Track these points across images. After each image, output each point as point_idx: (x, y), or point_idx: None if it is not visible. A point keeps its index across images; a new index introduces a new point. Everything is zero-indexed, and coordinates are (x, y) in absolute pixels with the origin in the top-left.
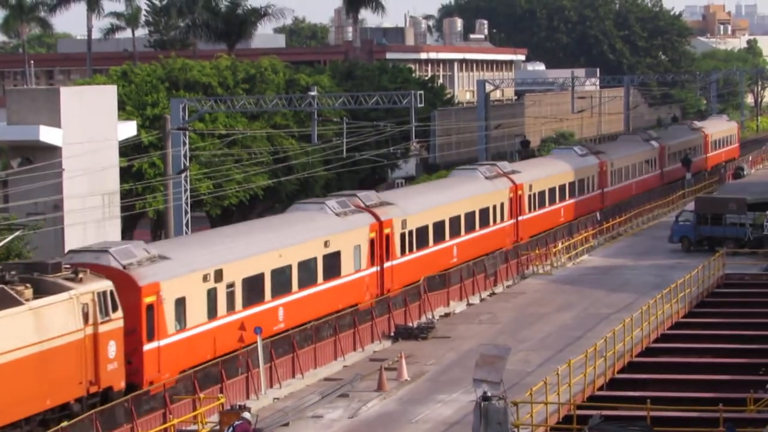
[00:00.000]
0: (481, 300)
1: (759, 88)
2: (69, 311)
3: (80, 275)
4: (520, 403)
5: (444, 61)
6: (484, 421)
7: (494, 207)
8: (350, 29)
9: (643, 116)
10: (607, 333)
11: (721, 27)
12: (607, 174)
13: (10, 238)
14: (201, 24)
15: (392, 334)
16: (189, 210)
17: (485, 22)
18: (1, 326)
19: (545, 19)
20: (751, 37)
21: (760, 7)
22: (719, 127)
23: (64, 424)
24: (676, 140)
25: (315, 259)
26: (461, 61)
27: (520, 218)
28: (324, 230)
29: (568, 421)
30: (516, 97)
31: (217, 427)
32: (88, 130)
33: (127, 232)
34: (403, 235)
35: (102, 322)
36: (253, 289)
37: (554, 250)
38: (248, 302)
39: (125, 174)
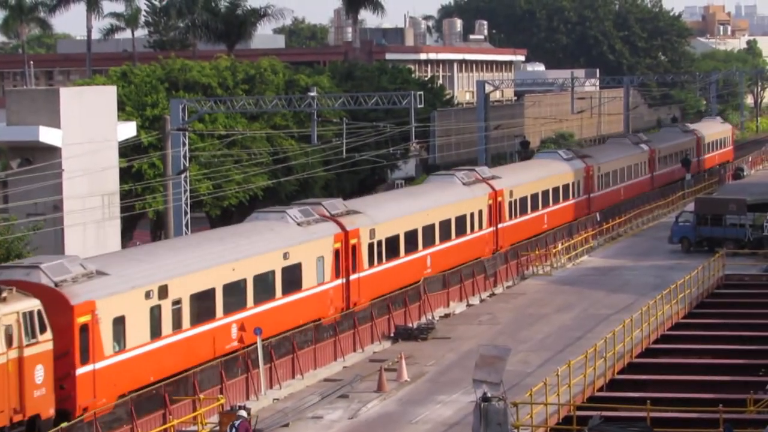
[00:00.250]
0: (481, 301)
1: (759, 89)
2: None
3: (4, 294)
4: (520, 403)
5: (443, 62)
6: (483, 421)
7: (472, 214)
8: (350, 30)
9: (643, 117)
10: (607, 334)
11: (721, 27)
12: (593, 179)
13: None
14: (200, 24)
15: (392, 334)
16: (189, 210)
17: (485, 22)
18: None
19: (545, 19)
20: (751, 38)
21: (759, 8)
22: (712, 130)
23: (64, 424)
24: (667, 143)
25: (273, 272)
26: (461, 62)
27: (500, 226)
28: (284, 241)
29: (568, 422)
30: (516, 98)
31: (217, 428)
32: (88, 131)
33: (127, 233)
34: (371, 246)
35: (28, 345)
36: (202, 305)
37: (554, 250)
38: (197, 320)
39: (125, 174)
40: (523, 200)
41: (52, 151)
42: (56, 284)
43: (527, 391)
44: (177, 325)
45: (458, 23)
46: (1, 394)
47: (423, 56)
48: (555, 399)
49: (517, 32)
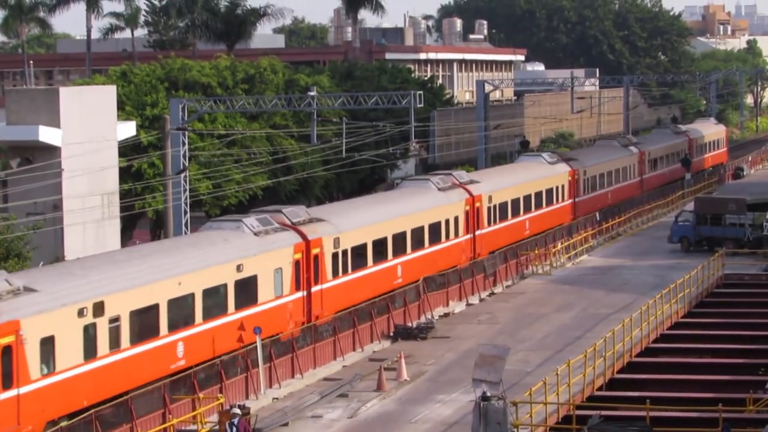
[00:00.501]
0: (481, 300)
1: (759, 89)
2: None
3: None
4: (520, 403)
5: (443, 62)
6: (483, 421)
7: (447, 221)
8: (349, 29)
9: (643, 117)
10: (606, 333)
11: (721, 27)
12: (579, 183)
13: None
14: (200, 24)
15: (391, 334)
16: (188, 210)
17: (485, 22)
18: None
19: (545, 19)
20: (751, 38)
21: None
22: (705, 131)
23: (64, 423)
24: (656, 145)
25: (225, 285)
26: (460, 62)
27: (477, 233)
28: (237, 252)
29: (568, 421)
30: (515, 98)
31: (217, 427)
32: (88, 130)
33: (127, 232)
34: (335, 256)
35: None
36: (144, 322)
37: (554, 250)
38: (138, 338)
39: (124, 174)
40: (503, 206)
41: (52, 151)
42: None
43: (527, 390)
44: (115, 344)
45: (458, 23)
46: None
47: (423, 56)
48: (554, 398)
49: (516, 32)
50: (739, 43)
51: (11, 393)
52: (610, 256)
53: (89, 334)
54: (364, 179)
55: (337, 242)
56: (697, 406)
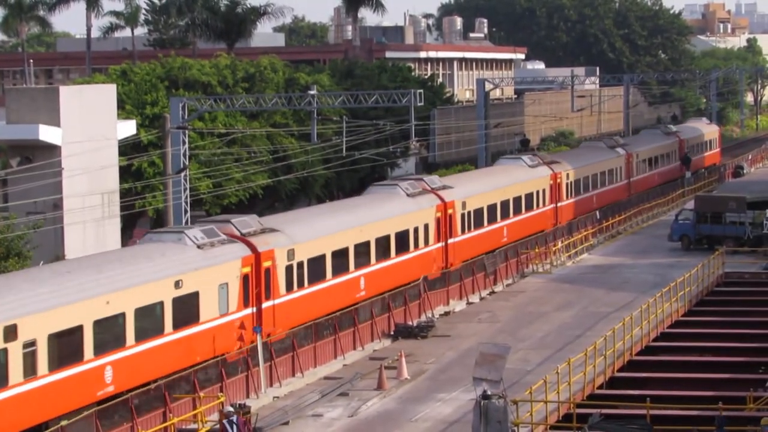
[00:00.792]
0: (481, 299)
1: (759, 87)
2: None
3: None
4: (520, 401)
5: (443, 60)
6: (483, 419)
7: (416, 229)
8: (350, 28)
9: (643, 115)
10: (606, 331)
11: (721, 25)
12: (561, 186)
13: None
14: (200, 23)
15: (392, 332)
16: (189, 209)
17: (485, 20)
18: None
19: (545, 17)
20: (751, 36)
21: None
22: (697, 132)
23: (64, 423)
24: (645, 147)
25: (161, 304)
26: (461, 60)
27: (450, 241)
28: (176, 267)
29: (568, 419)
30: (516, 96)
31: (217, 426)
32: (88, 129)
33: (127, 231)
34: (289, 268)
35: None
36: (66, 347)
37: (554, 248)
38: (58, 364)
39: (125, 173)
40: (479, 212)
41: (52, 150)
42: None
43: (527, 388)
44: (30, 371)
45: (458, 21)
46: None
47: (423, 54)
48: (555, 397)
49: (517, 30)
50: (739, 42)
51: None
52: (610, 254)
53: None
54: (365, 178)
55: (291, 254)
56: (698, 404)
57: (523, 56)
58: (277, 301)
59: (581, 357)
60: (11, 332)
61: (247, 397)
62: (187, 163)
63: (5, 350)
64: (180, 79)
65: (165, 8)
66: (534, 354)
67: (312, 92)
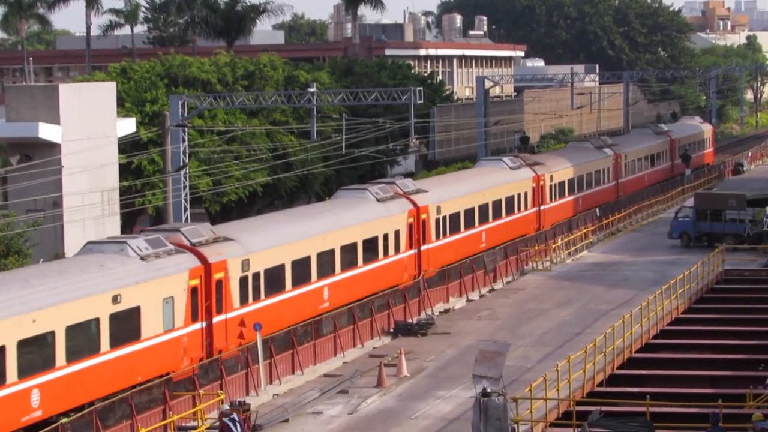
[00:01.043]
0: (481, 296)
1: (758, 84)
2: None
3: None
4: (520, 399)
5: (443, 58)
6: (483, 417)
7: (385, 236)
8: (349, 26)
9: (643, 112)
10: (606, 329)
11: (721, 23)
12: (545, 189)
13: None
14: (200, 20)
15: (392, 330)
16: (188, 207)
17: (484, 18)
18: None
19: (544, 15)
20: (751, 33)
21: (759, 3)
22: (689, 131)
23: (64, 420)
24: (634, 147)
25: (96, 320)
26: (460, 58)
27: (423, 247)
28: (114, 281)
29: (568, 417)
30: (515, 94)
31: (217, 423)
32: (87, 127)
33: (127, 229)
34: (243, 280)
35: None
36: None
37: (554, 246)
38: None
39: (124, 171)
40: (455, 217)
41: (52, 148)
42: None
43: (527, 386)
44: None
45: (458, 19)
46: None
47: (422, 52)
48: (555, 394)
49: (516, 28)
50: (738, 39)
51: None
52: (609, 252)
53: None
54: (364, 175)
55: (246, 264)
56: (698, 401)
57: (522, 54)
58: (229, 315)
59: (581, 354)
60: None
61: (247, 394)
62: (186, 160)
63: None
64: (179, 77)
65: (164, 6)
66: (534, 351)
67: (311, 90)
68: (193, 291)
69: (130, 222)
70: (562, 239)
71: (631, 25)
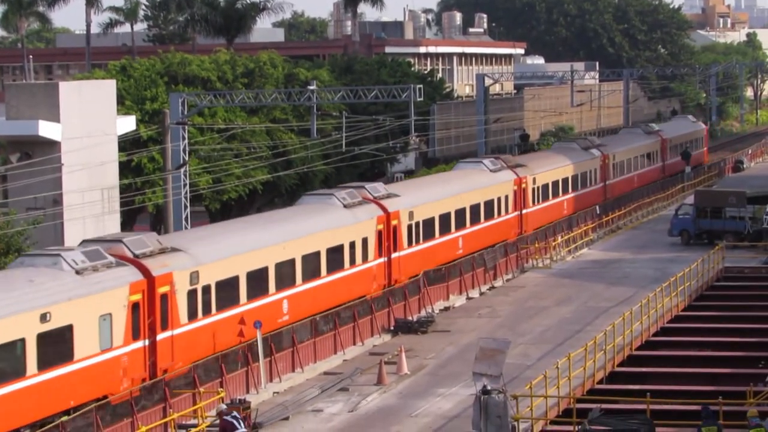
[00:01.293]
0: (481, 294)
1: (758, 82)
2: None
3: None
4: (520, 396)
5: (443, 55)
6: (483, 414)
7: (352, 244)
8: (349, 23)
9: (643, 110)
10: (606, 326)
11: (721, 20)
12: (527, 192)
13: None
14: (200, 18)
15: (392, 328)
16: (188, 204)
17: (484, 15)
18: None
19: (544, 12)
20: (751, 30)
21: (759, 1)
22: (681, 131)
23: (64, 418)
24: (623, 147)
25: (22, 341)
26: (460, 55)
27: (393, 255)
28: (44, 297)
29: (568, 414)
30: (515, 91)
31: (218, 421)
32: (87, 125)
33: (127, 227)
34: (192, 294)
35: None
36: None
37: (554, 243)
38: None
39: (124, 168)
40: (429, 222)
41: (52, 146)
42: None
43: (527, 383)
44: None
45: (458, 16)
46: None
47: (422, 50)
48: (555, 392)
49: (516, 25)
50: (738, 36)
51: None
52: (610, 249)
53: None
54: (364, 173)
55: (195, 277)
56: (698, 399)
57: (522, 51)
58: (176, 332)
59: (581, 352)
60: None
61: (247, 392)
62: (186, 158)
63: None
64: (179, 75)
65: (164, 4)
66: (534, 349)
67: (311, 87)
68: (135, 307)
69: (130, 220)
70: (562, 237)
71: (631, 22)
